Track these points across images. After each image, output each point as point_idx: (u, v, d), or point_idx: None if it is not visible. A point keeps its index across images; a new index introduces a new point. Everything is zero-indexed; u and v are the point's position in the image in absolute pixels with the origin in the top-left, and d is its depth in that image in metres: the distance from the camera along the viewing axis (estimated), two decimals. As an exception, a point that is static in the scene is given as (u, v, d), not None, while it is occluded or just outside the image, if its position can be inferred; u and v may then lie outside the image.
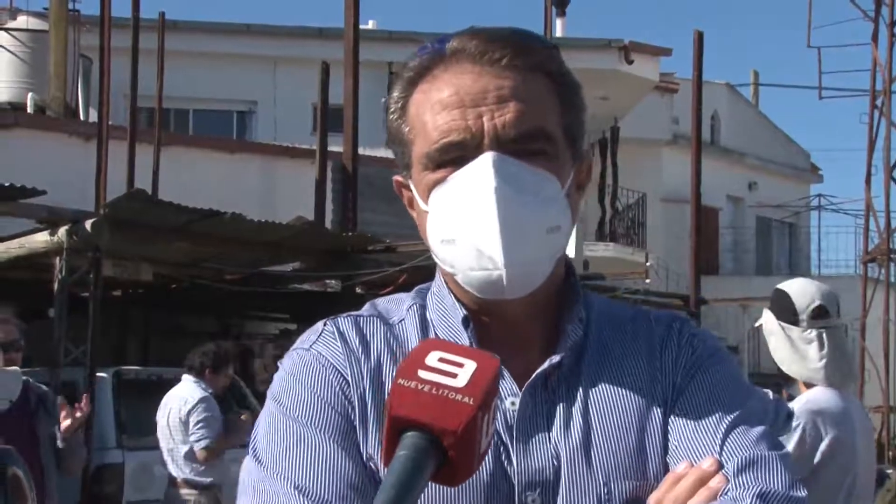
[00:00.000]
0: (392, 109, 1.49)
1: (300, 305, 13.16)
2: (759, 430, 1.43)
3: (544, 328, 1.50)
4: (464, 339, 1.47)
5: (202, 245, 11.08)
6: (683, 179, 15.62)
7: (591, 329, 1.51)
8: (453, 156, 1.42)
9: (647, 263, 17.96)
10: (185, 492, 7.44)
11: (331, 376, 1.46)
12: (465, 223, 1.40)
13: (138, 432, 9.22)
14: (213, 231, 10.62)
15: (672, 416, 1.46)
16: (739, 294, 19.66)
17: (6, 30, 17.31)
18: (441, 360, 1.21)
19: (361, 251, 11.68)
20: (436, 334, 1.50)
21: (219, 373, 7.69)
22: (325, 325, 1.52)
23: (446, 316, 1.50)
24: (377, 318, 1.52)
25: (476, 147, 1.40)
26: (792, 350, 3.92)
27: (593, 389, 1.47)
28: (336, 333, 1.50)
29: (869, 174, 18.11)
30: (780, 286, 4.05)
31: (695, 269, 13.80)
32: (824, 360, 3.86)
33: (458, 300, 1.50)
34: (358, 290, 12.10)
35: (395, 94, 1.49)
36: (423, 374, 1.20)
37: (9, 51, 16.81)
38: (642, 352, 1.51)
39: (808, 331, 3.90)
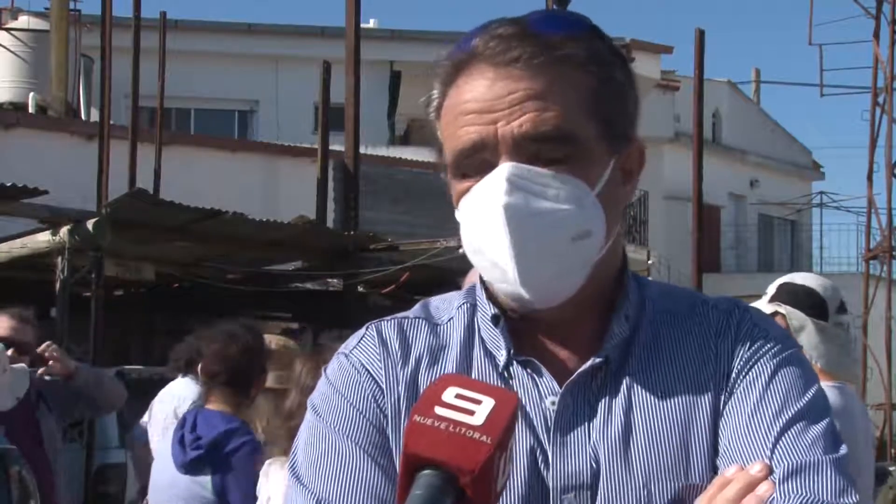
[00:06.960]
0: (430, 110, 1.45)
1: (302, 304, 13.17)
2: (817, 428, 1.34)
3: (592, 325, 1.43)
4: (499, 338, 1.42)
5: (204, 244, 11.09)
6: (685, 177, 15.59)
7: (642, 324, 1.43)
8: (472, 164, 1.37)
9: (649, 261, 17.96)
10: None
11: (365, 384, 1.41)
12: (483, 238, 1.37)
13: (141, 432, 9.21)
14: (215, 230, 10.63)
15: (725, 414, 1.37)
16: (741, 292, 19.57)
17: (7, 30, 17.32)
18: (458, 396, 1.18)
19: (363, 250, 11.68)
20: (479, 335, 1.44)
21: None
22: (367, 328, 1.47)
23: (485, 314, 1.45)
24: (422, 320, 1.47)
25: (494, 155, 1.35)
26: (831, 345, 3.86)
27: (638, 388, 1.39)
28: (376, 337, 1.45)
29: (871, 171, 18.08)
30: (796, 281, 3.98)
31: (697, 266, 13.75)
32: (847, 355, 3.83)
33: (493, 300, 1.44)
34: (360, 288, 12.12)
35: (433, 94, 1.44)
36: (439, 410, 1.17)
37: (10, 51, 16.82)
38: (696, 344, 1.42)
39: (835, 326, 3.86)
